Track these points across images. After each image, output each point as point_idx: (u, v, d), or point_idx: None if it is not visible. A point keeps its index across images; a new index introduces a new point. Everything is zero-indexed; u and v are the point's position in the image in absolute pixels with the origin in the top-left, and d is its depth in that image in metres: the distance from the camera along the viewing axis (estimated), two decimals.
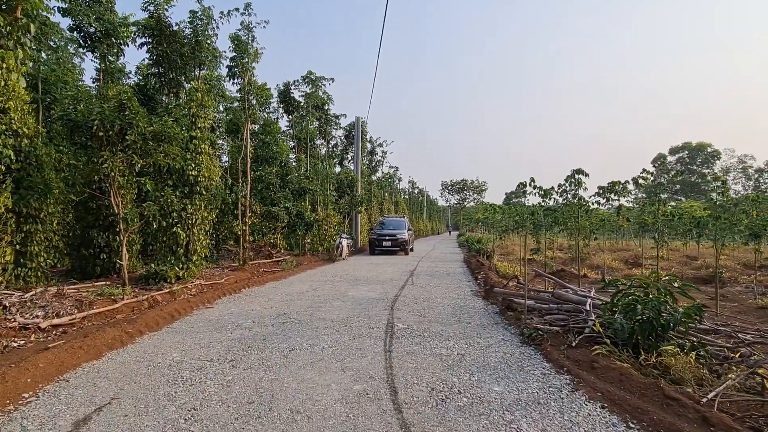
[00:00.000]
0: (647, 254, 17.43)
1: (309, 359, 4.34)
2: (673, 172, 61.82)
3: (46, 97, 10.85)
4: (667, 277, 4.89)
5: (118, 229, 7.67)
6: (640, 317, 4.39)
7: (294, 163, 19.42)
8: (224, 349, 4.65)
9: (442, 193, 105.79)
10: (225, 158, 18.80)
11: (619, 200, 6.81)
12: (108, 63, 11.77)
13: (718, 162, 75.25)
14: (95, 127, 7.19)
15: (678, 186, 68.19)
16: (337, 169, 26.04)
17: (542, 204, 7.20)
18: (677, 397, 3.34)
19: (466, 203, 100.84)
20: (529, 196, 6.57)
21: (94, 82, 13.57)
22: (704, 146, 76.10)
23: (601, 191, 6.44)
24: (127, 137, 7.23)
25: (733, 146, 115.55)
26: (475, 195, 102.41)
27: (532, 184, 6.68)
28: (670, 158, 78.83)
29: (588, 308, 5.47)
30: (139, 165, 7.75)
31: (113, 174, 7.32)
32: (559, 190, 6.79)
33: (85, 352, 4.20)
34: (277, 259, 13.71)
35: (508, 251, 18.94)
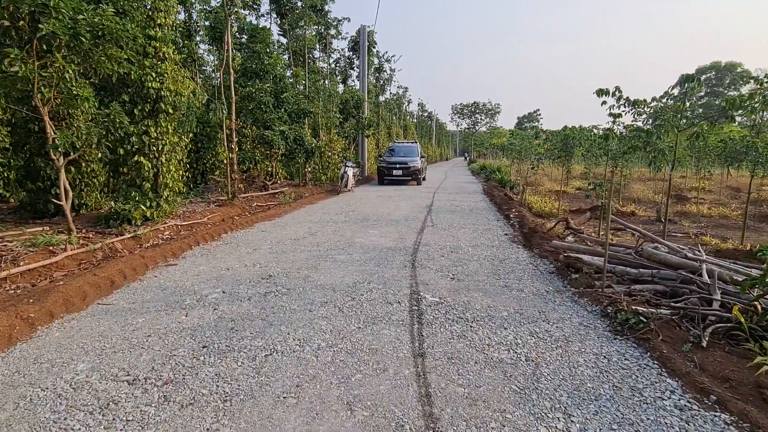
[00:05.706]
0: (681, 184, 15.45)
1: (294, 378, 2.69)
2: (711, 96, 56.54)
3: None
4: None
5: (55, 158, 5.84)
6: None
7: (291, 80, 16.88)
8: (165, 352, 2.99)
9: (452, 118, 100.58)
10: (216, 75, 16.30)
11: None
12: None
13: (746, 85, 69.11)
14: None
15: (700, 110, 63.34)
16: (341, 88, 23.30)
17: (619, 123, 5.20)
18: None
19: (477, 127, 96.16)
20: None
21: None
22: (734, 66, 69.40)
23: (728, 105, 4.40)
24: (41, 26, 5.11)
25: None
26: (487, 119, 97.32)
27: (617, 94, 4.65)
28: None
29: (708, 280, 3.72)
30: (71, 71, 5.73)
31: (33, 83, 5.33)
32: (655, 105, 4.73)
33: None
34: (273, 191, 11.93)
35: (535, 182, 16.96)
